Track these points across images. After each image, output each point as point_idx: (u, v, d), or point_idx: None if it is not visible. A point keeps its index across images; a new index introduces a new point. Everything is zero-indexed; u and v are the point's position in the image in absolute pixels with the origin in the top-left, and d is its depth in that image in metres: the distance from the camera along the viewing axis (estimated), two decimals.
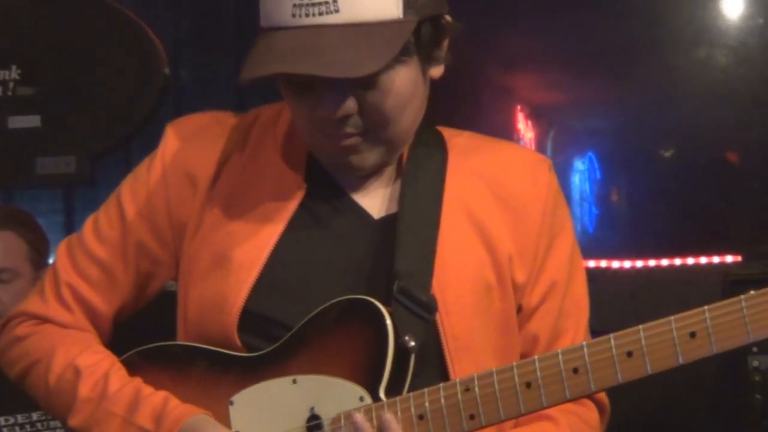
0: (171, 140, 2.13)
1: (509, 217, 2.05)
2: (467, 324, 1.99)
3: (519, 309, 2.07)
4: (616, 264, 4.55)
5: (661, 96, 4.79)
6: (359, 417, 1.89)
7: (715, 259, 4.52)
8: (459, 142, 2.12)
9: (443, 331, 1.98)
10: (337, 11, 1.87)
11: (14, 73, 4.13)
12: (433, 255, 1.99)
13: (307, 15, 1.88)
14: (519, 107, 4.98)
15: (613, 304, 4.34)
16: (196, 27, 4.74)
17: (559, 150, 4.99)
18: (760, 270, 4.29)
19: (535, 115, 4.99)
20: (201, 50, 4.70)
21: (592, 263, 4.55)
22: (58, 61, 4.13)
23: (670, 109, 4.79)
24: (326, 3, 1.87)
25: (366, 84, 1.91)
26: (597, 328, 4.30)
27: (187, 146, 2.11)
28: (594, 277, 4.73)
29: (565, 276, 2.09)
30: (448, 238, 2.01)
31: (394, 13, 1.89)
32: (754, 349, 3.91)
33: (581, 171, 4.95)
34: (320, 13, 1.88)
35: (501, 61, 5.00)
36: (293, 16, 1.89)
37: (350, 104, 1.93)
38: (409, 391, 1.92)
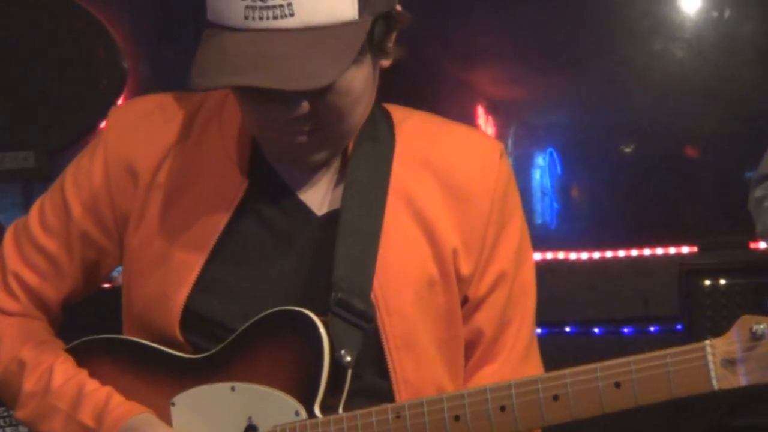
0: (113, 129, 2.08)
1: (455, 207, 2.00)
2: (409, 322, 1.96)
3: (465, 300, 2.02)
4: (573, 256, 4.58)
5: (618, 90, 4.83)
6: None
7: (672, 250, 4.56)
8: (408, 127, 2.05)
9: (384, 332, 1.94)
10: (291, 15, 1.79)
11: None
12: (374, 254, 1.94)
13: (260, 18, 1.80)
14: (479, 103, 5.00)
15: (571, 295, 4.36)
16: (155, 21, 4.74)
17: (519, 145, 5.01)
18: (714, 260, 4.33)
19: (495, 111, 5.01)
20: (160, 44, 4.69)
21: (549, 255, 4.56)
22: (17, 56, 4.12)
23: (627, 103, 4.83)
24: (281, 6, 1.79)
25: (322, 89, 1.84)
26: (555, 319, 4.35)
27: (129, 136, 2.05)
28: (552, 268, 4.78)
29: (514, 265, 2.04)
30: (390, 234, 1.97)
31: (349, 14, 1.82)
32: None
33: (542, 166, 4.96)
34: (274, 17, 1.80)
35: (461, 56, 5.02)
36: (246, 18, 1.81)
37: (304, 106, 1.86)
38: (345, 404, 1.90)
